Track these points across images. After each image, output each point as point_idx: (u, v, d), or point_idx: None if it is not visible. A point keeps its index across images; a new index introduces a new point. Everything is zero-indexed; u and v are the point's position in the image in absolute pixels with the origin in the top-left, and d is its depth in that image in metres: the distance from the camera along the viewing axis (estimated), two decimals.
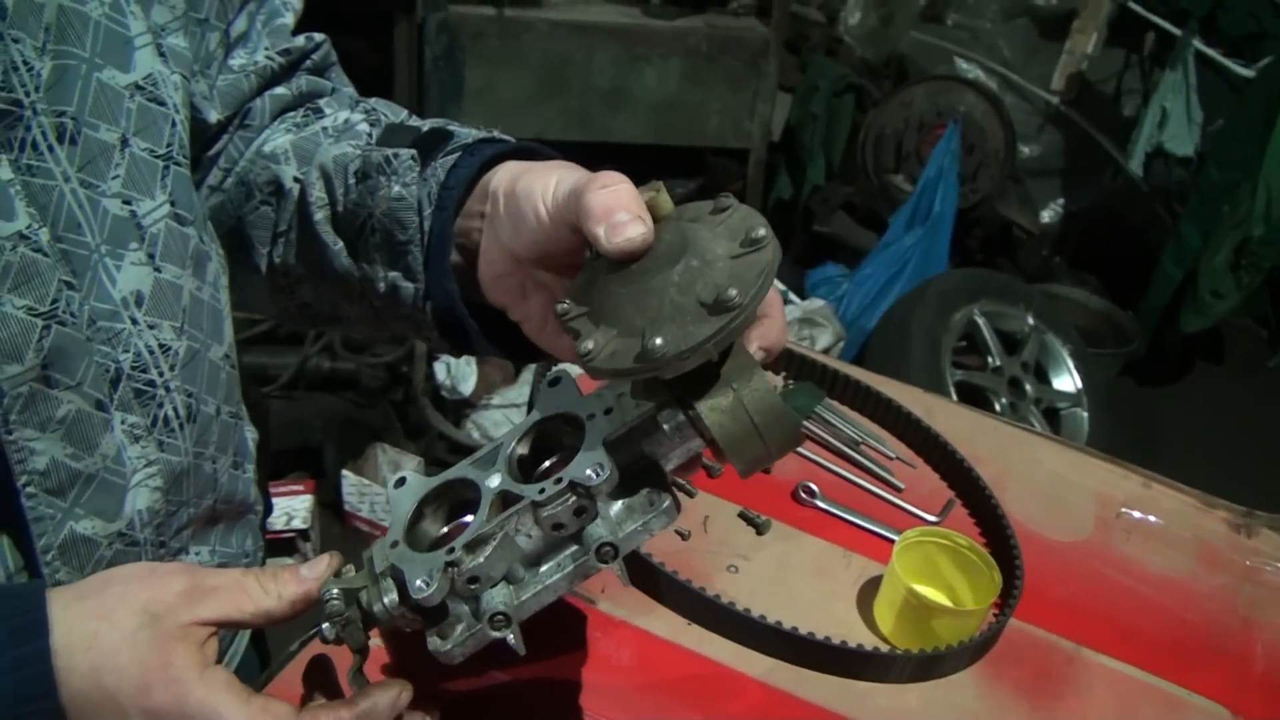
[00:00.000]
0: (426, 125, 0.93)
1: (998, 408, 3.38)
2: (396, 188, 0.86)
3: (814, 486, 1.25)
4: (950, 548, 1.14)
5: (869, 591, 1.15)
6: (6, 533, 0.77)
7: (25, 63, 0.73)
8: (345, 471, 3.08)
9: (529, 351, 0.87)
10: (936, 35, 4.61)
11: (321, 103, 1.03)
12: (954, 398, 3.23)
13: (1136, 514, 1.36)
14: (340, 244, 0.91)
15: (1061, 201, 4.66)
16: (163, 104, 0.83)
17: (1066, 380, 3.57)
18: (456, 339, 0.90)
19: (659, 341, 0.61)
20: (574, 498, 0.65)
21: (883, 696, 1.05)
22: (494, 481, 0.69)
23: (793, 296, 3.76)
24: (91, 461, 0.79)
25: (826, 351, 3.44)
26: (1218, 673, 1.16)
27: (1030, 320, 3.53)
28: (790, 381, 1.43)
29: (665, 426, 0.67)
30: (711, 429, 0.65)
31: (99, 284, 0.78)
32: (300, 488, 3.05)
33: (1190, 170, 4.17)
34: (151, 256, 0.82)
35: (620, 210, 0.66)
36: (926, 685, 1.07)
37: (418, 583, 0.64)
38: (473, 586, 0.65)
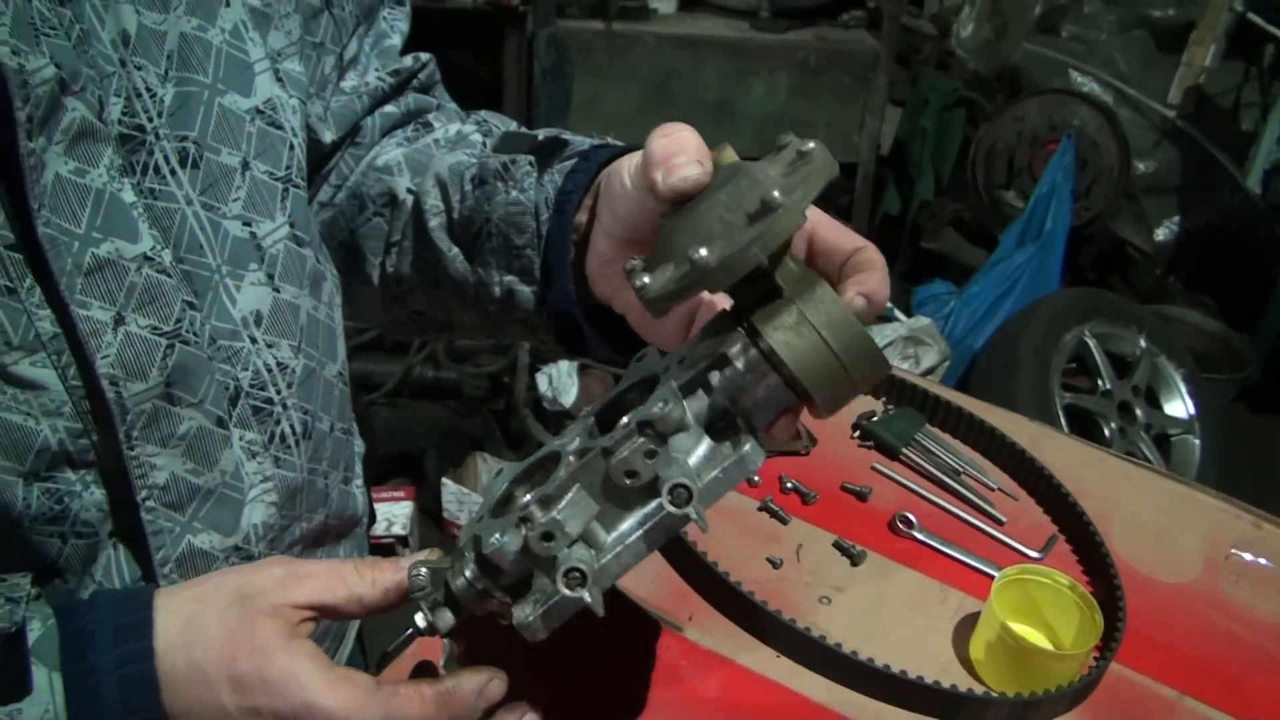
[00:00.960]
0: (542, 134, 0.95)
1: (1107, 433, 3.30)
2: (514, 193, 0.88)
3: (912, 517, 1.23)
4: (1051, 587, 1.11)
5: (965, 629, 1.12)
6: (126, 545, 0.79)
7: (149, 89, 0.76)
8: (445, 479, 3.12)
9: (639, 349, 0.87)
10: (1051, 47, 4.52)
11: (430, 118, 1.07)
12: (1062, 421, 3.16)
13: (1247, 556, 1.31)
14: (456, 250, 0.94)
15: (1178, 219, 4.54)
16: (281, 128, 0.86)
17: (1179, 405, 3.47)
18: (571, 340, 0.92)
19: (704, 252, 0.60)
20: (642, 439, 0.63)
21: None
22: (573, 445, 0.68)
23: (898, 314, 3.71)
24: (211, 477, 0.81)
25: (931, 371, 3.39)
26: None
27: (1142, 343, 3.44)
28: (890, 407, 1.41)
29: (735, 361, 0.65)
30: (778, 349, 0.63)
31: (220, 304, 0.81)
32: (401, 494, 3.10)
33: None
34: (271, 277, 0.85)
35: (678, 154, 0.67)
36: None
37: (491, 539, 0.62)
38: (548, 545, 0.63)
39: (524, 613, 0.65)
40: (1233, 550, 1.31)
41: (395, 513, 3.04)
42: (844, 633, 1.09)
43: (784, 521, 1.21)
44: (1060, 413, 3.18)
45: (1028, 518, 1.30)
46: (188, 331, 0.77)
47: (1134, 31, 4.50)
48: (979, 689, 1.05)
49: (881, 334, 3.42)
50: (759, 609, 1.06)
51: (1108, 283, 4.21)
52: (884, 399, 1.42)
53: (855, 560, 1.18)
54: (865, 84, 3.87)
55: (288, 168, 0.86)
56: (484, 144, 0.98)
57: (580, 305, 0.88)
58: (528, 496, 0.67)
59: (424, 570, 0.68)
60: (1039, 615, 1.13)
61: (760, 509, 1.22)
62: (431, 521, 3.21)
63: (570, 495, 0.64)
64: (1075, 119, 4.01)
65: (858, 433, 1.36)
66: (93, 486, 0.76)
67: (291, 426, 0.88)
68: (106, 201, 0.72)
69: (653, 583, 1.12)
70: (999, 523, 1.27)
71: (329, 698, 0.65)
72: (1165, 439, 3.43)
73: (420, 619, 0.68)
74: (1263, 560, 1.30)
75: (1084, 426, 3.32)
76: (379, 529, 2.97)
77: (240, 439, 0.83)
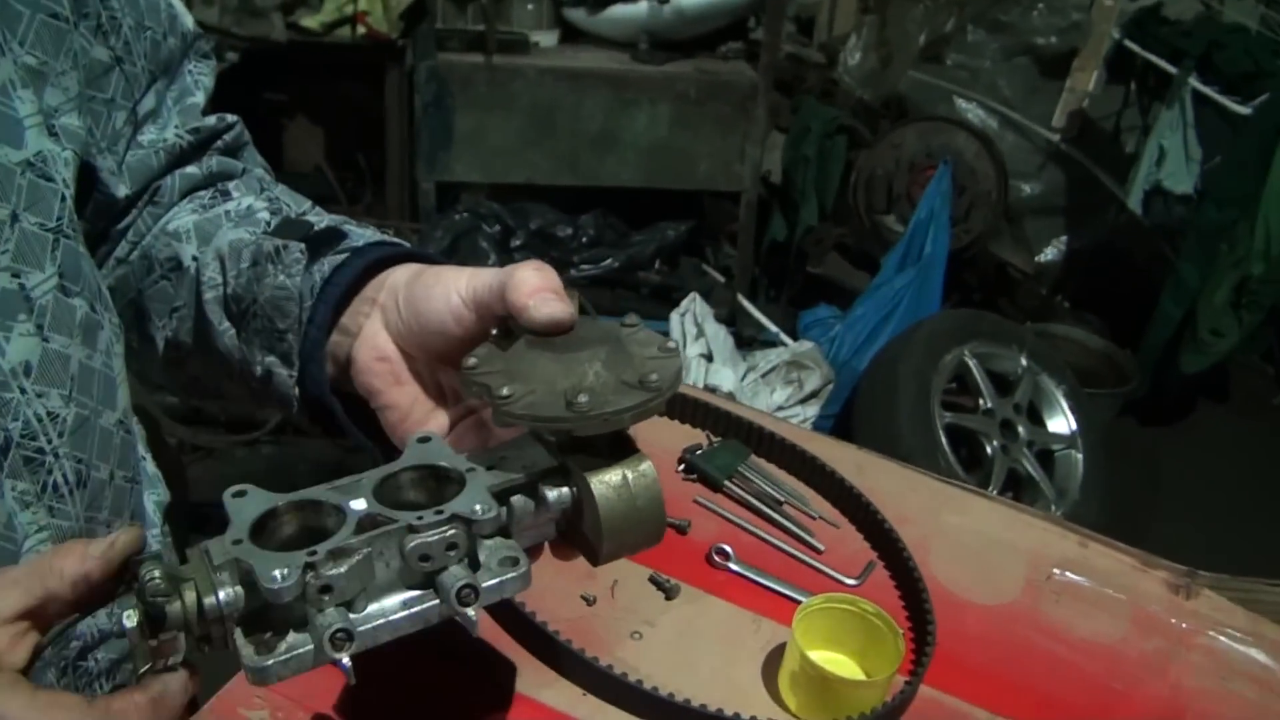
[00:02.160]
0: (324, 222, 0.96)
1: (989, 450, 3.35)
2: (281, 278, 0.89)
3: (728, 548, 1.23)
4: (856, 614, 1.12)
5: (776, 659, 1.13)
6: None
7: None
8: None
9: (384, 440, 0.88)
10: (936, 75, 4.62)
11: (230, 185, 1.07)
12: (943, 441, 3.21)
13: (1070, 575, 1.33)
14: (226, 324, 0.95)
15: (1064, 239, 4.64)
16: (52, 180, 0.85)
17: (1061, 422, 3.54)
18: (325, 424, 0.93)
19: (584, 399, 0.65)
20: (451, 530, 0.65)
21: None
22: (359, 505, 0.67)
23: (783, 338, 3.74)
24: None
25: (815, 394, 3.42)
26: None
27: (1024, 361, 3.50)
28: (715, 440, 1.41)
29: (548, 494, 0.70)
30: (598, 502, 0.67)
31: None
32: None
33: (1190, 208, 4.14)
34: (40, 327, 0.84)
35: (551, 289, 0.73)
36: None
37: (274, 573, 0.60)
38: (323, 597, 0.62)
39: (257, 656, 0.63)
40: (1055, 570, 1.33)
41: None
42: (653, 667, 1.09)
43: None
44: (941, 432, 3.23)
45: (846, 545, 1.31)
46: None
47: (1018, 59, 4.61)
48: (785, 718, 1.05)
49: (765, 359, 3.45)
50: (560, 646, 1.05)
51: (995, 304, 4.28)
52: (708, 431, 1.43)
53: (669, 594, 1.18)
54: (745, 113, 3.91)
55: (59, 219, 0.85)
56: (269, 223, 0.98)
57: (337, 393, 0.90)
58: (320, 550, 0.66)
59: (159, 573, 0.64)
60: (847, 643, 1.14)
61: None
62: None
63: (359, 558, 0.64)
64: (953, 145, 4.08)
65: (682, 466, 1.36)
66: None
67: (65, 476, 0.87)
68: None
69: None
70: (817, 551, 1.28)
71: None
72: (1048, 454, 3.49)
73: (131, 619, 0.64)
74: (1084, 579, 1.33)
75: (967, 445, 3.37)
76: None
77: (12, 489, 0.82)
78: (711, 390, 3.18)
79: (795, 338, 3.78)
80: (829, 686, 1.05)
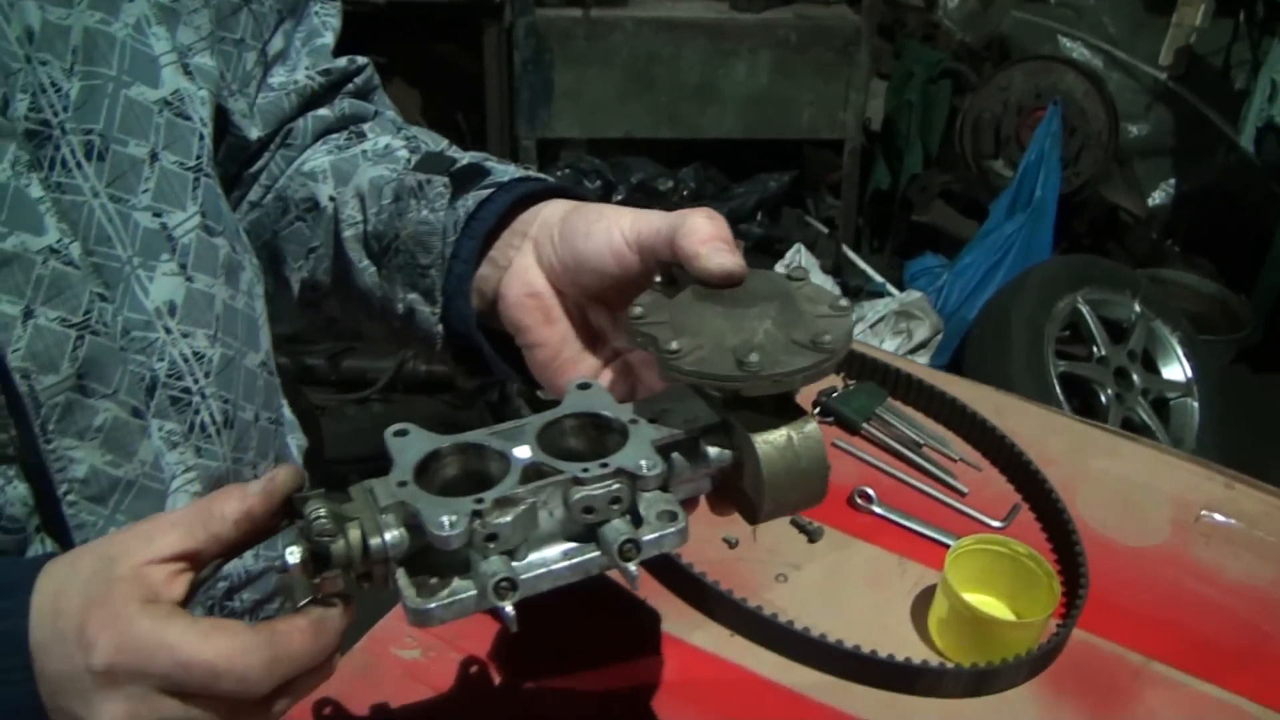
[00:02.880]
0: (465, 158, 0.94)
1: (1104, 399, 3.28)
2: (425, 212, 0.88)
3: (870, 491, 1.22)
4: (1008, 555, 1.10)
5: (924, 601, 1.11)
6: (53, 538, 0.79)
7: (54, 84, 0.76)
8: None
9: (530, 381, 0.87)
10: (1039, 14, 4.49)
11: (365, 127, 1.06)
12: (1058, 390, 3.14)
13: (1218, 517, 1.29)
14: (366, 262, 0.94)
15: (1173, 182, 4.50)
16: (189, 119, 0.86)
17: (1176, 369, 3.44)
18: (470, 362, 0.91)
19: (755, 358, 0.64)
20: (616, 484, 0.63)
21: (933, 712, 1.01)
22: (523, 453, 0.67)
23: (890, 288, 3.69)
24: (130, 468, 0.81)
25: (924, 345, 3.37)
26: None
27: (1137, 307, 3.41)
28: (851, 382, 1.40)
29: (709, 451, 0.68)
30: (762, 461, 0.66)
31: (132, 295, 0.81)
32: None
33: None
34: (184, 267, 0.85)
35: (724, 239, 0.71)
36: (980, 701, 1.03)
37: (442, 519, 0.60)
38: (489, 545, 0.62)
39: (420, 599, 0.62)
40: (1203, 512, 1.30)
41: None
42: (800, 610, 1.08)
43: None
44: (1055, 381, 3.16)
45: (991, 487, 1.29)
46: (97, 323, 0.77)
47: None
48: (935, 660, 1.04)
49: (873, 309, 3.40)
50: (708, 588, 1.05)
51: (1103, 249, 4.17)
52: (844, 374, 1.41)
53: (812, 537, 1.17)
54: (848, 59, 3.84)
55: (198, 158, 0.86)
56: (408, 160, 0.97)
57: (483, 330, 0.88)
58: (486, 498, 0.65)
59: (324, 511, 0.63)
60: (997, 585, 1.12)
61: None
62: None
63: (525, 507, 0.63)
64: (1061, 86, 3.97)
65: (818, 409, 1.35)
66: (15, 481, 0.76)
67: (211, 416, 0.87)
68: (10, 196, 0.72)
69: None
70: (960, 494, 1.26)
71: (206, 651, 0.61)
72: (1163, 403, 3.40)
73: (295, 555, 0.63)
74: (1233, 520, 1.29)
75: (1080, 394, 3.29)
76: None
77: (159, 430, 0.83)
78: None
79: (901, 288, 3.72)
80: (982, 627, 1.04)
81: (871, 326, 3.32)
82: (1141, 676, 1.08)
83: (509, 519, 0.62)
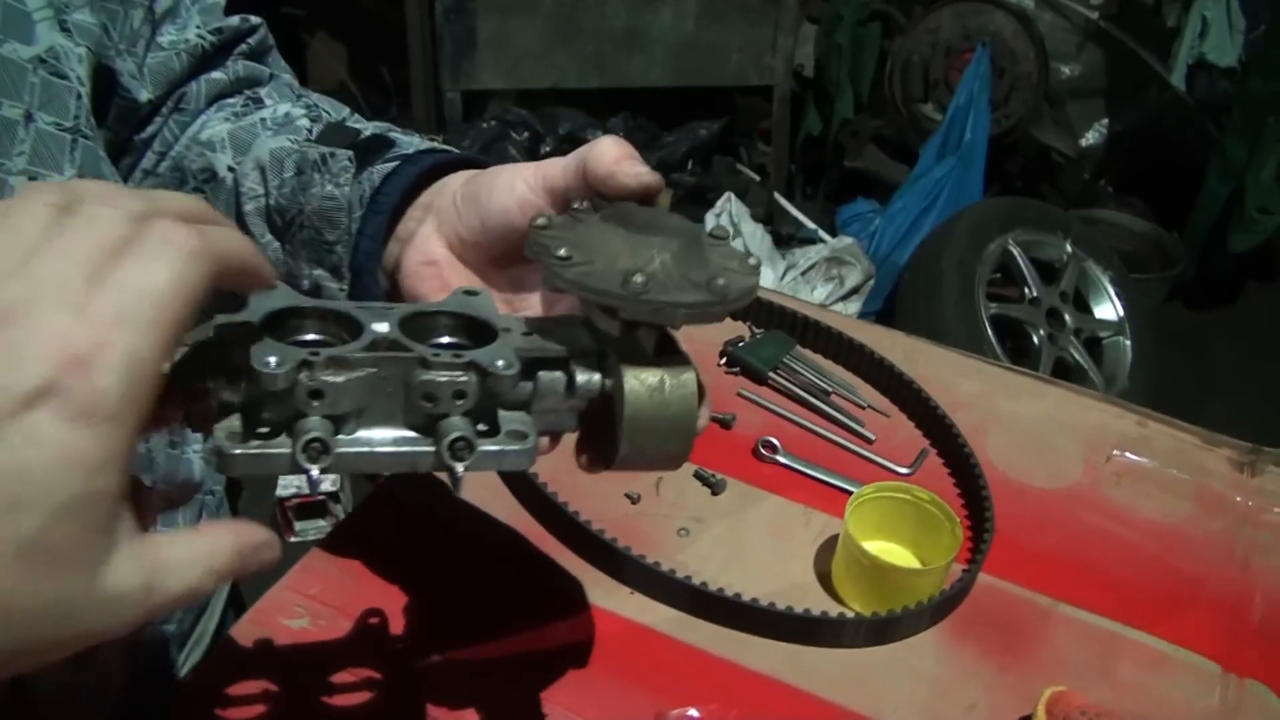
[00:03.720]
0: (369, 129, 0.90)
1: (1036, 340, 3.29)
2: (329, 187, 0.84)
3: (775, 441, 1.19)
4: (910, 502, 1.08)
5: (828, 552, 1.09)
6: None
7: None
8: None
9: None
10: None
11: (262, 92, 1.02)
12: (989, 332, 3.15)
13: (1130, 456, 1.28)
14: (270, 237, 0.90)
15: (1105, 122, 4.50)
16: (66, 77, 0.81)
17: (1108, 308, 3.47)
18: None
19: (640, 280, 0.59)
20: (465, 376, 0.59)
21: (837, 663, 0.99)
22: (381, 327, 0.62)
23: (822, 234, 3.67)
24: None
25: (856, 290, 3.37)
26: (1209, 625, 1.08)
27: (1068, 248, 3.42)
28: (758, 331, 1.37)
29: (579, 376, 0.64)
30: (627, 396, 0.62)
31: None
32: None
33: (1235, 81, 4.01)
34: None
35: (633, 156, 0.68)
36: (884, 649, 1.01)
37: (269, 358, 0.55)
38: (313, 402, 0.57)
39: (228, 441, 0.56)
40: (1115, 451, 1.29)
41: None
42: (702, 564, 1.06)
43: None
44: (987, 324, 3.17)
45: (899, 434, 1.27)
46: None
47: None
48: (835, 611, 1.02)
49: (805, 256, 3.39)
50: (605, 544, 1.02)
51: (1036, 190, 4.18)
52: (750, 322, 1.39)
53: (715, 489, 1.15)
54: (775, 3, 3.80)
55: (75, 118, 0.82)
56: (310, 130, 0.93)
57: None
58: (322, 353, 0.58)
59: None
60: (901, 532, 1.10)
61: None
62: (365, 477, 3.17)
63: (361, 374, 0.58)
64: (990, 26, 3.95)
65: (724, 359, 1.32)
66: None
67: None
68: None
69: (504, 520, 1.08)
70: (868, 441, 1.24)
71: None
72: (1096, 342, 3.43)
73: None
74: (1146, 459, 1.28)
75: (1013, 336, 3.31)
76: (309, 487, 2.94)
77: None
78: None
79: (834, 234, 3.71)
80: (884, 576, 1.02)
81: (803, 274, 3.30)
82: (1050, 618, 1.07)
83: (340, 379, 0.57)
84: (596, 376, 0.64)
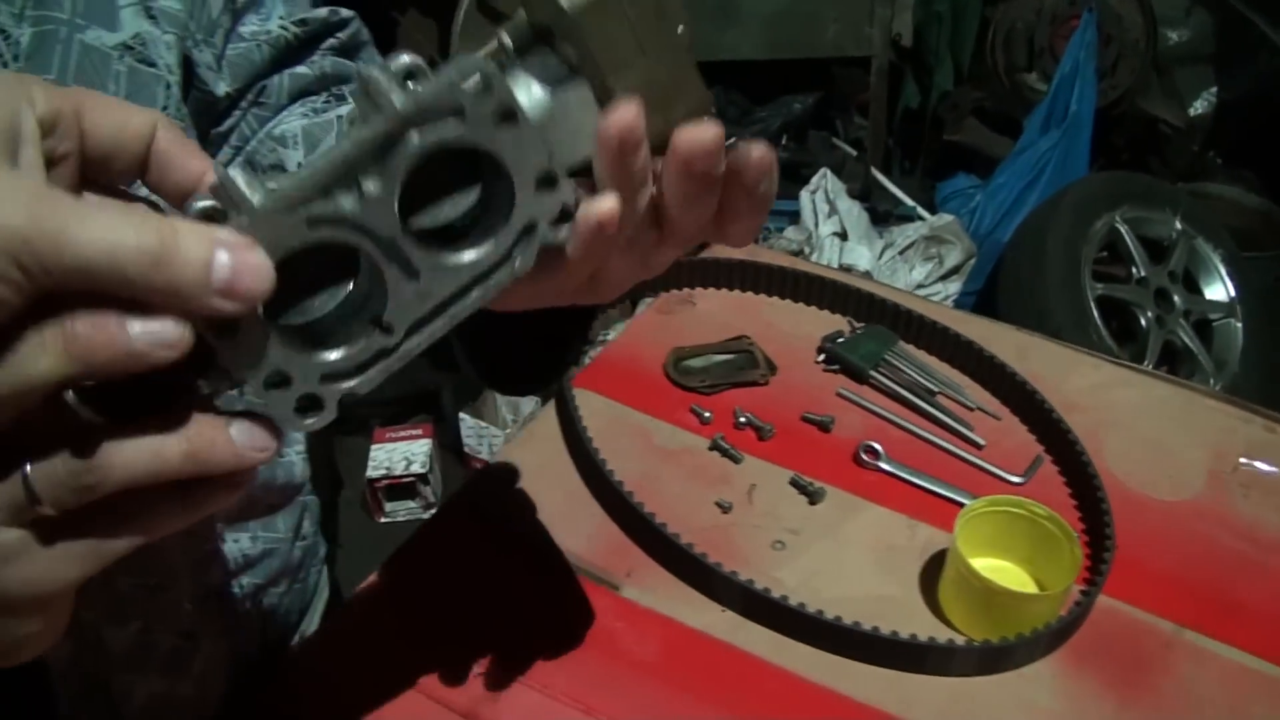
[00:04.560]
0: None
1: (1144, 322, 3.15)
2: None
3: (877, 447, 1.13)
4: (1026, 517, 1.01)
5: (935, 568, 1.02)
6: None
7: (2, 31, 0.68)
8: (463, 414, 3.07)
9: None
10: None
11: (347, 89, 0.96)
12: (1095, 314, 3.03)
13: (1259, 465, 1.19)
14: None
15: (1214, 91, 4.31)
16: (153, 65, 0.76)
17: (1219, 289, 3.31)
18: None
19: None
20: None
21: (943, 693, 0.93)
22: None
23: (921, 211, 3.56)
24: None
25: (957, 270, 3.25)
26: None
27: (1178, 225, 3.27)
28: (857, 326, 1.30)
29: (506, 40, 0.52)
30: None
31: None
32: (419, 432, 3.08)
33: None
34: None
35: None
36: (994, 679, 0.95)
37: (230, 172, 0.44)
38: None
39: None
40: (1242, 460, 1.20)
41: (414, 451, 3.01)
42: (799, 580, 1.00)
43: (736, 460, 1.11)
44: (1093, 305, 3.04)
45: (1010, 439, 1.19)
46: None
47: None
48: (944, 636, 0.95)
49: (903, 234, 3.28)
50: (696, 559, 0.96)
51: (1142, 163, 4.01)
52: (849, 317, 1.31)
53: (813, 498, 1.08)
54: None
55: (164, 108, 0.77)
56: None
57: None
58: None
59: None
60: (1016, 550, 1.03)
61: (711, 448, 1.13)
62: (453, 457, 3.16)
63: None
64: None
65: (822, 357, 1.25)
66: None
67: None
68: None
69: (589, 538, 1.03)
70: (977, 447, 1.16)
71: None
72: (1206, 324, 3.28)
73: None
74: (1275, 468, 1.19)
75: (1119, 318, 3.17)
76: (398, 469, 2.94)
77: None
78: (847, 269, 3.04)
79: (933, 211, 3.59)
80: (996, 600, 0.95)
81: (901, 253, 3.20)
82: (1173, 647, 0.99)
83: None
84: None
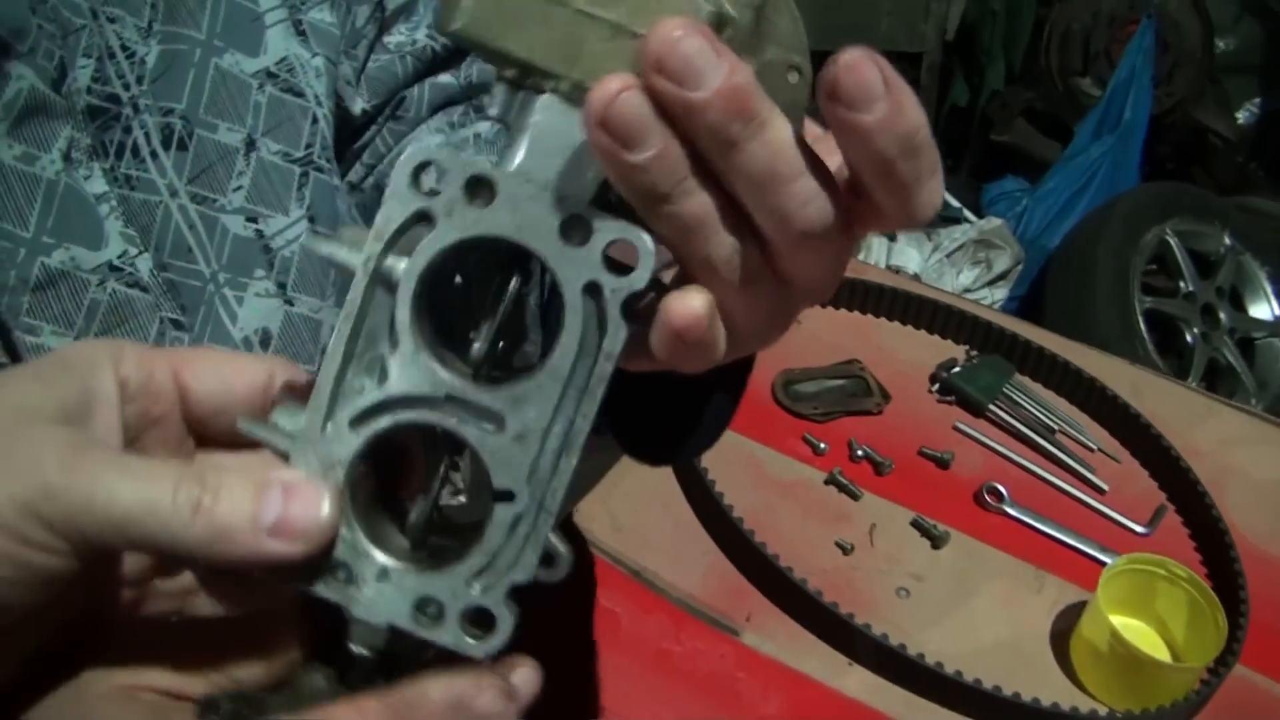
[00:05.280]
0: None
1: (1189, 338, 3.10)
2: None
3: (1001, 489, 1.08)
4: (1165, 578, 0.96)
5: (1065, 623, 0.98)
6: None
7: (125, 48, 0.59)
8: None
9: None
10: None
11: (487, 100, 0.86)
12: (1142, 328, 2.98)
13: None
14: None
15: (1259, 101, 4.25)
16: (301, 95, 0.67)
17: (1264, 307, 3.26)
18: None
19: None
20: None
21: None
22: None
23: (967, 214, 3.50)
24: None
25: (1004, 276, 3.20)
26: None
27: (1226, 240, 3.22)
28: (974, 355, 1.25)
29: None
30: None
31: (216, 321, 0.63)
32: None
33: None
34: (282, 287, 0.66)
35: None
36: None
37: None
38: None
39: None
40: None
41: None
42: (925, 631, 0.95)
43: (855, 497, 1.06)
44: (1140, 319, 2.99)
45: (1132, 485, 1.14)
46: None
47: None
48: (1082, 702, 0.91)
49: (950, 237, 3.22)
50: (825, 609, 0.91)
51: (1187, 174, 3.95)
52: (967, 345, 1.26)
53: (937, 542, 1.03)
54: None
55: (308, 147, 0.68)
56: None
57: None
58: None
59: None
60: (1150, 610, 0.98)
61: (827, 482, 1.08)
62: None
63: None
64: None
65: (936, 386, 1.20)
66: None
67: None
68: (61, 195, 0.55)
69: (703, 577, 0.98)
70: (1100, 491, 1.11)
71: None
72: (1249, 343, 3.23)
73: None
74: None
75: (1164, 332, 3.13)
76: None
77: None
78: (896, 271, 2.98)
79: (979, 213, 3.53)
80: (1140, 669, 0.90)
81: (949, 256, 3.14)
82: None
83: None
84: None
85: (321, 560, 0.38)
